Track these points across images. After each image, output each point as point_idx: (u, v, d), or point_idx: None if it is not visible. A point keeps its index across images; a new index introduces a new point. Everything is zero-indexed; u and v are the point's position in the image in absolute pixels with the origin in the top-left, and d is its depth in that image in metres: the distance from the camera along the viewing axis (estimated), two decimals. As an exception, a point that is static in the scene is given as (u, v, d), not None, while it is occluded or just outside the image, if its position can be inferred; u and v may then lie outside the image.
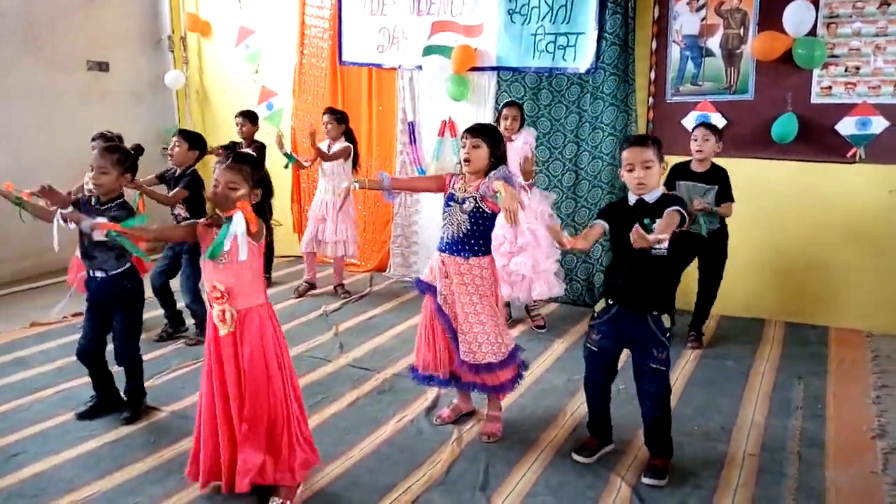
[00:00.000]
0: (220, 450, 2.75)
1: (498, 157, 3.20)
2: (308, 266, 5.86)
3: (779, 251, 5.06)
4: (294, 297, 5.68)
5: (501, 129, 4.66)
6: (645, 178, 2.83)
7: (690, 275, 4.57)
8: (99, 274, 3.38)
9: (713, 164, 4.36)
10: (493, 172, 3.12)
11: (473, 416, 3.57)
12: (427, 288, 3.38)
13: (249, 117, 5.76)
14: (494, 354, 3.26)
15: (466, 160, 3.18)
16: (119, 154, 3.35)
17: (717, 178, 4.32)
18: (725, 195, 4.31)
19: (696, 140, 4.31)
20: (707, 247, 4.41)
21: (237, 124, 5.73)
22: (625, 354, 3.09)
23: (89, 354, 3.49)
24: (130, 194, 4.06)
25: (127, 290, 3.43)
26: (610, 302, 3.00)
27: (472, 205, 3.18)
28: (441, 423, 3.51)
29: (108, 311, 3.45)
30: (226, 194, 2.61)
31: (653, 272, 2.86)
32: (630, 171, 2.86)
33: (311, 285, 5.87)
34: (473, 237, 3.22)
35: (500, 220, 4.52)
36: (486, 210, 3.18)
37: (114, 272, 3.39)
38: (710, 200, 4.28)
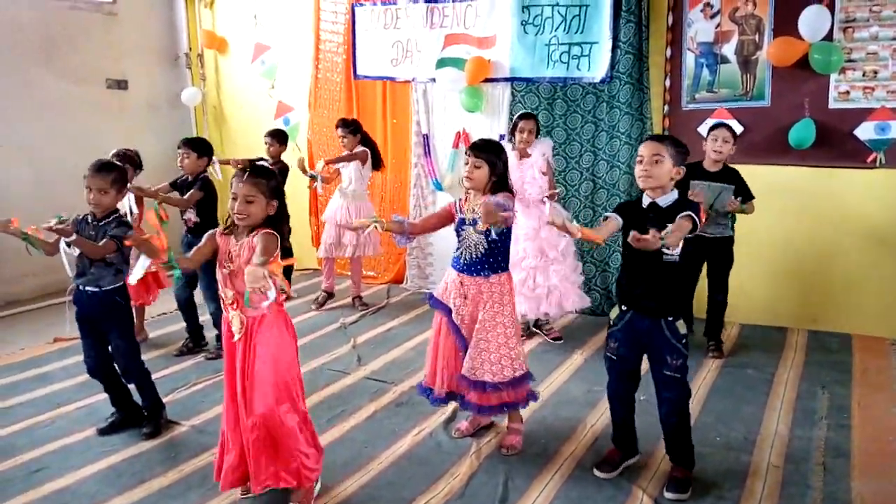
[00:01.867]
0: (237, 454, 2.79)
1: (500, 174, 3.20)
2: (326, 274, 5.87)
3: (799, 258, 5.01)
4: (314, 309, 5.70)
5: (517, 141, 4.66)
6: (651, 170, 2.79)
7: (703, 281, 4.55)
8: (90, 289, 3.37)
9: (725, 165, 4.33)
10: (491, 198, 3.09)
11: (492, 429, 3.55)
12: (440, 305, 3.37)
13: (278, 137, 5.72)
14: (493, 375, 3.23)
15: (468, 178, 3.21)
16: (116, 173, 3.36)
17: (732, 178, 4.29)
18: (745, 193, 4.28)
19: (716, 140, 4.27)
20: (713, 253, 4.40)
21: (266, 143, 5.70)
22: (647, 362, 3.05)
23: (99, 370, 3.50)
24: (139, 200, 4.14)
25: (119, 306, 3.42)
26: (623, 308, 2.98)
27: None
28: (460, 436, 3.49)
29: (100, 326, 3.43)
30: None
31: (664, 277, 2.83)
32: (639, 163, 2.84)
33: (330, 294, 5.88)
34: (493, 255, 3.22)
35: (521, 232, 4.58)
36: (497, 227, 3.18)
37: (107, 288, 3.38)
38: (727, 200, 4.25)
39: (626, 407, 3.11)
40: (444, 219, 3.37)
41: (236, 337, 2.71)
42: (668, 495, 2.93)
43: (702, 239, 4.35)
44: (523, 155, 4.66)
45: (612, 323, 3.04)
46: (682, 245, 2.76)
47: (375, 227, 3.18)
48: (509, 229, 3.23)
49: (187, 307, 4.70)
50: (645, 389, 3.16)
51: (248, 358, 2.71)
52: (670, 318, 2.85)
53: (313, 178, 5.60)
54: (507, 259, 3.29)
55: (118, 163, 3.60)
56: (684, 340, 2.87)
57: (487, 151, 3.19)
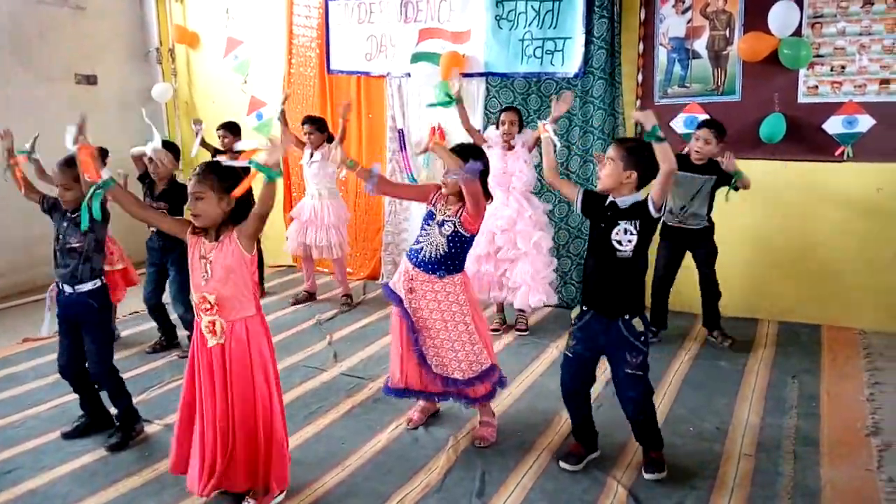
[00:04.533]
0: (202, 455, 2.75)
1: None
2: (306, 274, 5.83)
3: (770, 251, 5.08)
4: (290, 304, 5.69)
5: (500, 133, 4.67)
6: (601, 171, 2.92)
7: (684, 277, 4.61)
8: (67, 289, 3.34)
9: (710, 159, 4.35)
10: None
11: (467, 423, 3.57)
12: (392, 296, 3.37)
13: (232, 129, 5.65)
14: (463, 372, 3.26)
15: (444, 183, 3.21)
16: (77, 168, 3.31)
17: (715, 170, 4.33)
18: (728, 181, 4.31)
19: (697, 140, 4.31)
20: (696, 244, 4.49)
21: (219, 136, 5.65)
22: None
23: (68, 372, 3.44)
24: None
25: (93, 310, 3.35)
26: (584, 308, 3.02)
27: (450, 229, 3.19)
28: (413, 427, 3.52)
29: (76, 327, 3.38)
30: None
31: (618, 274, 2.88)
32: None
33: (311, 295, 5.85)
34: (450, 258, 3.24)
35: (497, 224, 4.59)
36: (465, 233, 3.20)
37: (82, 290, 3.33)
38: (708, 191, 4.33)
39: (582, 404, 3.14)
40: (418, 196, 3.39)
41: (211, 343, 2.66)
42: (647, 476, 2.99)
43: (682, 231, 4.42)
44: (508, 147, 4.67)
45: (573, 322, 3.08)
46: (636, 241, 2.83)
47: (346, 166, 3.22)
48: (472, 236, 3.25)
49: (156, 310, 4.65)
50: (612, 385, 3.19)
51: (226, 363, 2.66)
52: (627, 317, 2.90)
53: (282, 112, 5.50)
54: (463, 261, 3.31)
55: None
56: (643, 338, 2.91)
57: (461, 154, 3.15)
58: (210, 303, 2.63)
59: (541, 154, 3.31)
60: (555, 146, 3.21)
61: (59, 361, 3.45)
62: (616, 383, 3.01)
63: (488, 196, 3.24)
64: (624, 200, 2.87)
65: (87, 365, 3.41)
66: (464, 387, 3.28)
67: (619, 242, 2.84)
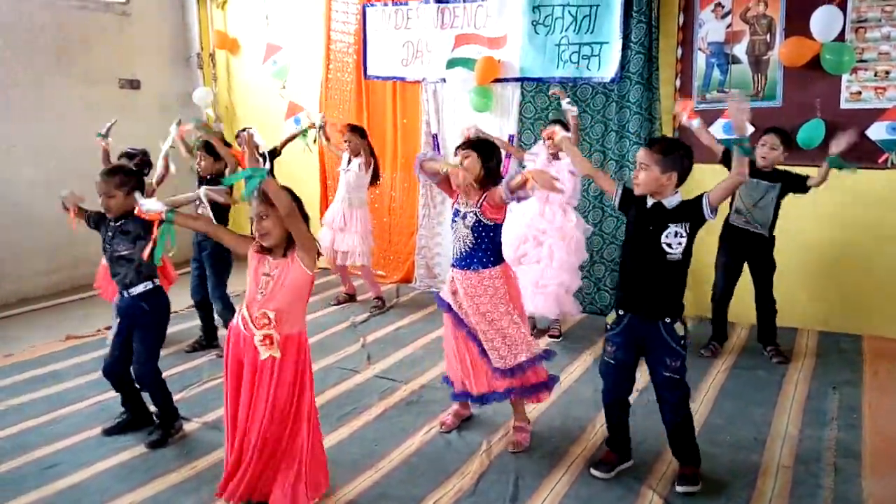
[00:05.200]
0: (247, 468, 2.75)
1: (490, 167, 3.23)
2: (342, 279, 5.92)
3: (811, 259, 4.99)
4: (333, 304, 5.78)
5: (546, 146, 4.65)
6: (636, 176, 2.88)
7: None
8: (124, 294, 3.42)
9: (776, 168, 4.29)
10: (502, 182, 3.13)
11: (501, 427, 3.56)
12: (442, 303, 3.43)
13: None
14: (525, 354, 3.27)
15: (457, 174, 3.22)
16: (119, 176, 3.37)
17: (780, 177, 4.28)
18: (799, 186, 4.26)
19: (763, 146, 4.27)
20: (754, 254, 4.43)
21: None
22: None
23: (113, 373, 3.50)
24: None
25: (144, 312, 3.41)
26: (620, 312, 3.00)
27: (473, 219, 3.22)
28: (447, 430, 3.54)
29: (131, 330, 3.45)
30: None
31: (665, 276, 2.85)
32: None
33: (351, 296, 5.92)
34: (480, 249, 3.26)
35: (524, 236, 4.59)
36: (487, 221, 3.21)
37: (134, 293, 3.40)
38: (773, 199, 4.28)
39: (621, 411, 3.12)
40: (448, 187, 3.35)
41: (264, 356, 2.68)
42: (679, 488, 2.94)
43: (745, 234, 4.35)
44: (554, 157, 4.66)
45: (608, 327, 3.05)
46: (685, 243, 2.80)
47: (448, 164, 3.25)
48: (498, 225, 3.26)
49: (202, 307, 4.74)
50: (651, 392, 3.16)
51: (273, 377, 2.69)
52: (668, 320, 2.87)
53: (321, 126, 5.60)
54: (497, 253, 3.31)
55: (126, 164, 3.65)
56: (682, 342, 2.88)
57: (473, 146, 3.25)
58: (269, 318, 2.66)
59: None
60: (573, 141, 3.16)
61: (105, 361, 3.52)
62: (655, 385, 2.98)
63: (497, 181, 3.23)
64: (670, 201, 2.84)
65: (131, 366, 3.46)
66: (523, 373, 3.27)
67: (670, 245, 2.81)
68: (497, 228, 3.28)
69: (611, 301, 5.45)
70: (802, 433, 3.48)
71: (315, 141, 6.08)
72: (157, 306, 3.47)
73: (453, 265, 3.37)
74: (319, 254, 2.78)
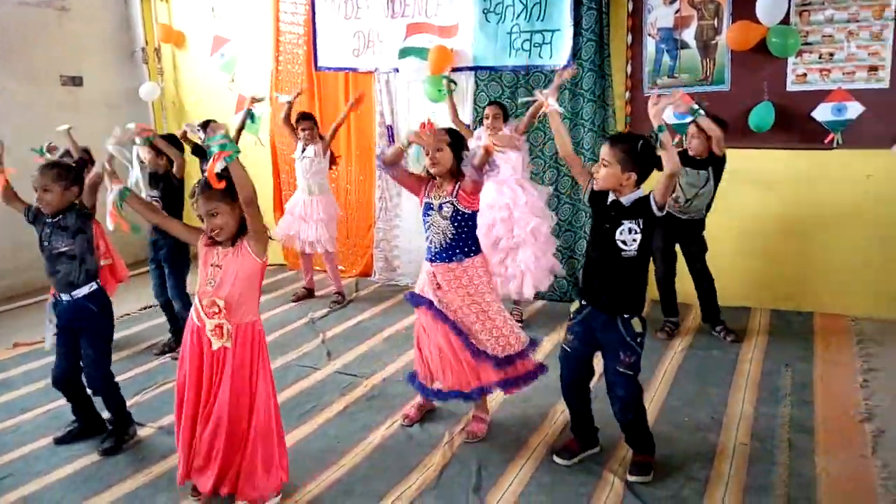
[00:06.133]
0: (195, 455, 2.75)
1: (462, 157, 3.20)
2: (304, 270, 5.85)
3: (761, 239, 5.09)
4: (292, 301, 5.71)
5: (484, 127, 4.69)
6: (597, 172, 2.87)
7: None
8: (64, 297, 3.29)
9: (712, 153, 4.32)
10: (463, 165, 3.14)
11: (460, 419, 3.56)
12: (420, 300, 3.35)
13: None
14: (517, 345, 3.28)
15: (433, 164, 3.20)
16: (57, 170, 3.27)
17: (712, 161, 4.33)
18: (717, 161, 4.33)
19: (691, 137, 4.34)
20: (685, 237, 4.51)
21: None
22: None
23: (63, 382, 3.39)
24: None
25: (92, 314, 3.31)
26: (583, 303, 3.01)
27: (450, 209, 3.19)
28: (410, 423, 3.52)
29: (73, 334, 3.33)
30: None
31: (621, 273, 2.86)
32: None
33: (310, 291, 5.85)
34: (461, 239, 3.24)
35: (499, 216, 4.60)
36: (465, 210, 3.20)
37: (79, 295, 3.29)
38: (710, 188, 4.34)
39: (580, 399, 3.13)
40: (415, 184, 3.32)
41: (216, 346, 2.65)
42: (630, 478, 2.96)
43: (676, 220, 4.41)
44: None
45: (571, 316, 3.07)
46: (640, 239, 2.81)
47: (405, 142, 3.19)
48: (475, 213, 3.25)
49: (168, 307, 4.65)
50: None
51: (227, 367, 2.66)
52: (626, 316, 2.88)
53: (290, 102, 5.53)
54: (476, 241, 3.31)
55: (64, 160, 3.54)
56: (639, 339, 2.90)
57: (449, 138, 3.21)
58: (219, 307, 2.62)
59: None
60: (562, 116, 3.18)
61: (54, 372, 3.39)
62: (607, 381, 2.99)
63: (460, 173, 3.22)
64: (627, 198, 2.84)
65: (83, 372, 3.36)
66: (514, 362, 3.28)
67: (624, 242, 2.81)
68: (474, 217, 3.27)
69: (569, 289, 5.49)
70: (758, 411, 3.55)
71: (258, 126, 6.06)
72: (103, 307, 3.38)
73: (430, 259, 3.30)
74: (270, 238, 2.73)
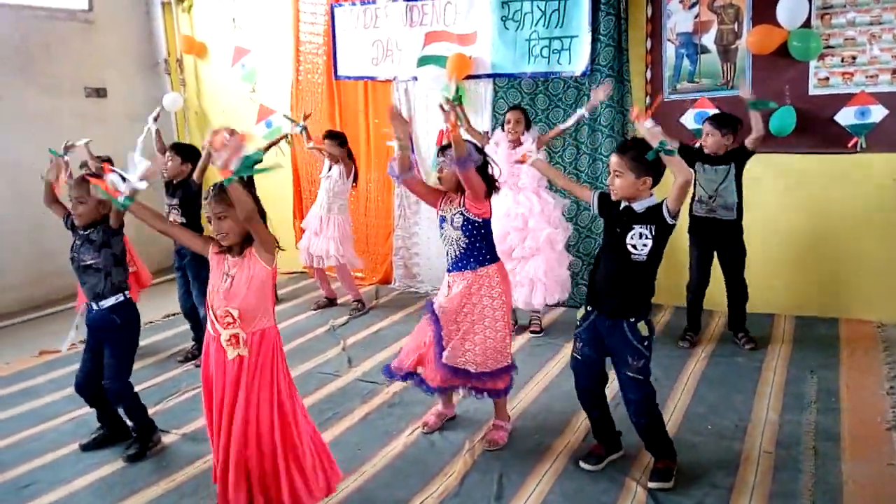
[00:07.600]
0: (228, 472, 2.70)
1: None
2: (321, 284, 5.86)
3: (785, 245, 5.03)
4: (312, 310, 5.73)
5: (505, 132, 4.69)
6: (612, 183, 2.88)
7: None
8: (93, 305, 3.35)
9: (729, 150, 4.32)
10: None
11: (483, 426, 3.55)
12: (430, 307, 3.39)
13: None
14: (476, 366, 3.25)
15: (439, 180, 3.27)
16: (88, 183, 3.28)
17: (732, 158, 4.32)
18: (742, 153, 4.33)
19: (706, 136, 4.34)
20: (723, 240, 4.44)
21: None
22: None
23: (85, 388, 3.43)
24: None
25: (116, 326, 3.34)
26: (588, 309, 3.01)
27: (460, 219, 3.22)
28: (429, 431, 3.52)
29: (101, 344, 3.38)
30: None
31: (628, 276, 2.86)
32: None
33: (331, 301, 5.87)
34: (474, 248, 3.25)
35: (512, 225, 4.59)
36: (475, 218, 3.21)
37: (105, 305, 3.33)
38: (733, 178, 4.31)
39: (597, 405, 3.12)
40: (432, 197, 3.35)
41: (232, 356, 2.63)
42: (651, 485, 2.94)
43: (712, 223, 4.37)
44: (516, 145, 4.67)
45: (577, 323, 3.07)
46: (651, 245, 2.80)
47: (396, 144, 3.17)
48: (487, 221, 3.26)
49: (191, 314, 4.67)
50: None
51: (245, 376, 2.64)
52: (632, 320, 2.87)
53: (304, 128, 5.57)
54: (492, 250, 3.32)
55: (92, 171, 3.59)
56: (646, 343, 2.89)
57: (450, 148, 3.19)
58: (233, 317, 2.62)
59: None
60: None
61: (77, 377, 3.45)
62: (620, 386, 2.98)
63: (491, 186, 3.25)
64: (640, 204, 2.85)
65: (103, 381, 3.37)
66: (475, 380, 3.28)
67: (635, 247, 2.82)
68: (487, 225, 3.28)
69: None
70: (782, 418, 3.51)
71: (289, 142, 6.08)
72: (128, 320, 3.41)
73: (448, 270, 3.35)
74: (279, 247, 2.72)
